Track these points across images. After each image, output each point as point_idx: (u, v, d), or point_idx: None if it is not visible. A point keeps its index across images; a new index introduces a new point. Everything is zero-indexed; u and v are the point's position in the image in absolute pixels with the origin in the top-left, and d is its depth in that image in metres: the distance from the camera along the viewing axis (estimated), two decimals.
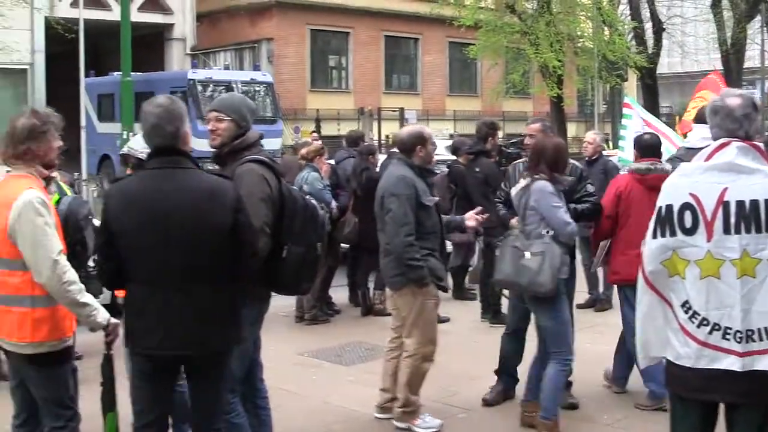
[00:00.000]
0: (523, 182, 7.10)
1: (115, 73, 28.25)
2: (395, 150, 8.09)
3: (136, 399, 5.09)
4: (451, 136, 24.69)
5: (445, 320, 10.52)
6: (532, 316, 7.40)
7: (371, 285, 11.90)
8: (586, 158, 11.68)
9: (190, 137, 5.01)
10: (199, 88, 26.66)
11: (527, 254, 6.85)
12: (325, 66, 42.04)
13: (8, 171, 5.29)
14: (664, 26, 38.43)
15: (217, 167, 5.74)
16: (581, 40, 34.91)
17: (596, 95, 41.32)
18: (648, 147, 7.77)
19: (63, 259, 5.00)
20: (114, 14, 33.67)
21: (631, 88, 44.18)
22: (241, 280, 5.05)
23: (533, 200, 6.91)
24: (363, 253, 11.75)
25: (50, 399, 5.30)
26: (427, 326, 7.22)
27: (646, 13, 38.19)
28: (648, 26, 38.16)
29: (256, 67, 32.30)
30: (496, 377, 8.04)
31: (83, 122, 28.86)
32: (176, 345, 4.81)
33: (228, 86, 27.28)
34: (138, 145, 6.27)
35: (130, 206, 4.81)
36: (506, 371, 8.01)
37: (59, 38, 27.49)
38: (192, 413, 5.19)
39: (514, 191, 7.20)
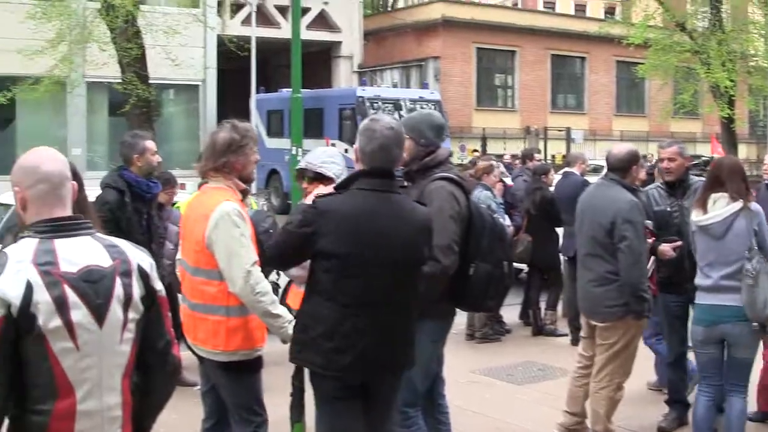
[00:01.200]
0: (731, 205, 6.54)
1: (284, 90, 28.88)
2: (605, 169, 7.72)
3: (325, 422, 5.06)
4: None
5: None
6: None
7: (542, 305, 11.79)
8: (766, 182, 11.29)
9: None
10: (368, 105, 26.92)
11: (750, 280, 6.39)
12: (491, 84, 42.00)
13: (205, 182, 5.44)
14: None
15: (406, 184, 5.74)
16: (755, 58, 33.85)
17: None
18: None
19: (257, 270, 5.08)
20: (283, 32, 34.56)
21: None
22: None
23: (755, 224, 6.47)
24: (536, 273, 11.65)
25: (240, 405, 5.40)
26: (629, 358, 7.03)
27: None
28: None
29: (425, 85, 32.44)
30: (667, 406, 7.96)
31: None
32: (369, 368, 4.76)
33: (396, 104, 27.52)
34: (317, 159, 6.31)
35: (345, 224, 4.67)
36: (677, 399, 7.90)
37: (229, 55, 28.24)
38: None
39: (708, 216, 6.61)
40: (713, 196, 6.63)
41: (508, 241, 6.07)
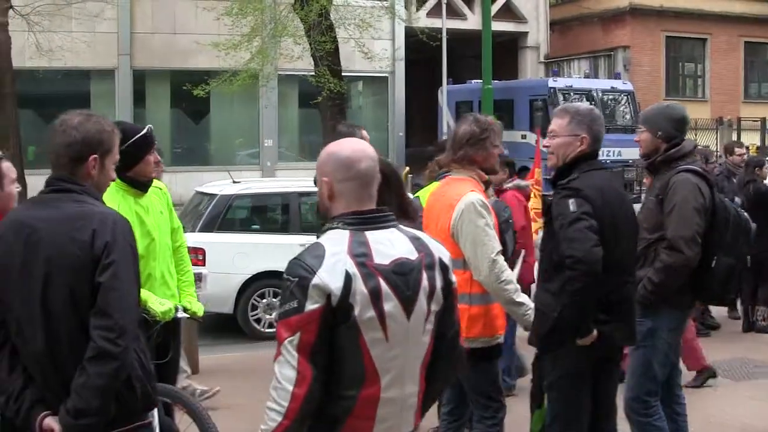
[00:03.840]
0: None
1: (473, 81, 28.89)
2: None
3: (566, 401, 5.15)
4: None
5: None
6: None
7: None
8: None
9: None
10: (560, 96, 26.67)
11: None
12: (680, 74, 40.93)
13: (447, 173, 5.54)
14: None
15: (649, 176, 6.03)
16: None
17: None
18: None
19: (501, 259, 5.20)
20: (469, 23, 34.60)
21: None
22: None
23: None
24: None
25: (480, 391, 5.53)
26: None
27: None
28: None
29: (617, 75, 31.84)
30: None
31: (444, 128, 29.61)
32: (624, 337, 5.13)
33: (588, 95, 27.12)
34: None
35: (608, 203, 4.99)
36: None
37: (415, 47, 28.42)
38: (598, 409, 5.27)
39: None
40: None
41: (752, 235, 5.95)
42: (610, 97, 28.13)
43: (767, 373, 9.39)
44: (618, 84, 29.18)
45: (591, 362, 5.03)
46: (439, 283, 3.38)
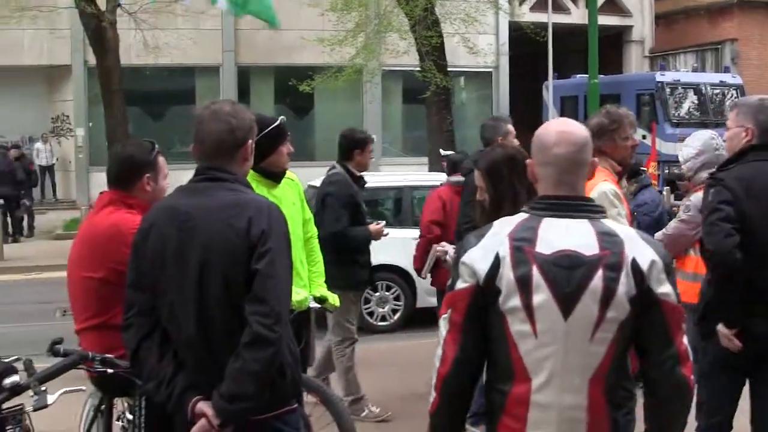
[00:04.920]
0: None
1: (578, 76, 28.61)
2: None
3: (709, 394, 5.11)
4: None
5: None
6: None
7: None
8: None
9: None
10: (667, 90, 26.31)
11: None
12: None
13: None
14: None
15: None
16: None
17: None
18: None
19: None
20: (572, 17, 34.32)
21: None
22: None
23: None
24: None
25: None
26: None
27: None
28: None
29: (726, 69, 31.30)
30: None
31: None
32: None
33: (696, 89, 26.82)
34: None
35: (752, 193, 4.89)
36: None
37: (519, 42, 28.23)
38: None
39: None
40: None
41: None
42: (720, 91, 27.66)
43: None
44: (727, 78, 28.70)
45: (743, 359, 4.92)
46: (623, 288, 3.02)
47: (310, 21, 27.19)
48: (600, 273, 3.02)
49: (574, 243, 3.05)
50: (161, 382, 3.77)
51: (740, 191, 4.81)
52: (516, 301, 3.02)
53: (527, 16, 31.88)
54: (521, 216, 3.16)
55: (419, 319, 11.76)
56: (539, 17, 30.92)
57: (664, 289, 3.07)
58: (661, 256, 3.10)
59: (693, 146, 6.49)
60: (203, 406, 3.69)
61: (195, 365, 3.77)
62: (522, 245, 3.05)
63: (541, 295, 3.01)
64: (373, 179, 14.36)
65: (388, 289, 12.01)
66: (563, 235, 3.07)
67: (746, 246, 4.71)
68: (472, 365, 3.14)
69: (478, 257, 3.07)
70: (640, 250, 3.08)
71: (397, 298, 12.22)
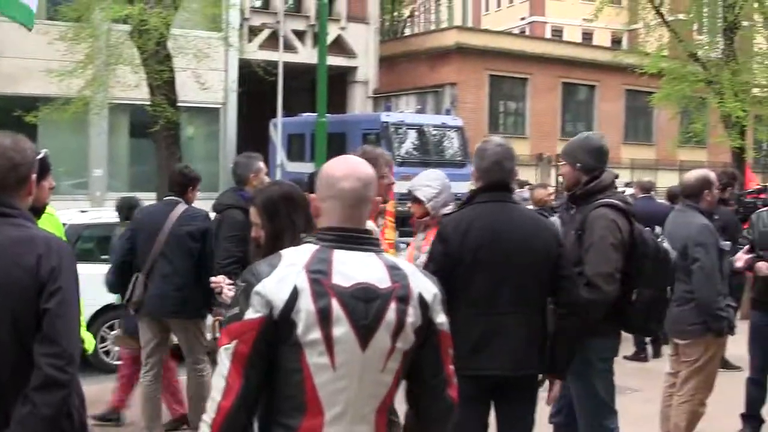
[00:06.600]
0: None
1: (305, 114, 29.09)
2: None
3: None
4: (628, 185, 24.10)
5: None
6: None
7: None
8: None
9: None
10: (392, 130, 27.19)
11: None
12: (501, 111, 42.34)
13: None
14: None
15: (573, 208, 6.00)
16: (766, 89, 34.08)
17: None
18: None
19: None
20: (300, 56, 34.89)
21: None
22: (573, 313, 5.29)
23: None
24: None
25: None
26: (711, 374, 7.36)
27: None
28: None
29: (447, 111, 32.58)
30: (741, 420, 8.29)
31: (277, 161, 29.78)
32: (504, 365, 5.12)
33: (419, 129, 27.76)
34: (416, 181, 6.76)
35: (469, 233, 5.12)
36: (754, 415, 8.25)
37: (251, 78, 28.38)
38: None
39: None
40: None
41: (672, 266, 6.08)
42: (441, 132, 28.79)
43: None
44: (448, 120, 29.87)
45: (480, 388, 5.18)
46: (411, 319, 3.11)
47: (36, 50, 26.33)
48: (393, 305, 3.08)
49: (368, 276, 3.08)
50: None
51: (454, 237, 5.13)
52: (316, 334, 2.99)
53: (258, 53, 32.17)
54: (311, 247, 3.13)
55: None
56: (270, 55, 31.31)
57: (441, 318, 3.21)
58: (439, 289, 3.25)
59: (433, 186, 6.75)
60: None
61: None
62: (318, 278, 3.03)
63: (341, 328, 3.01)
64: (94, 216, 13.91)
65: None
66: (358, 268, 3.08)
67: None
68: (254, 399, 3.05)
69: (275, 288, 3.00)
70: (423, 283, 3.19)
71: None
